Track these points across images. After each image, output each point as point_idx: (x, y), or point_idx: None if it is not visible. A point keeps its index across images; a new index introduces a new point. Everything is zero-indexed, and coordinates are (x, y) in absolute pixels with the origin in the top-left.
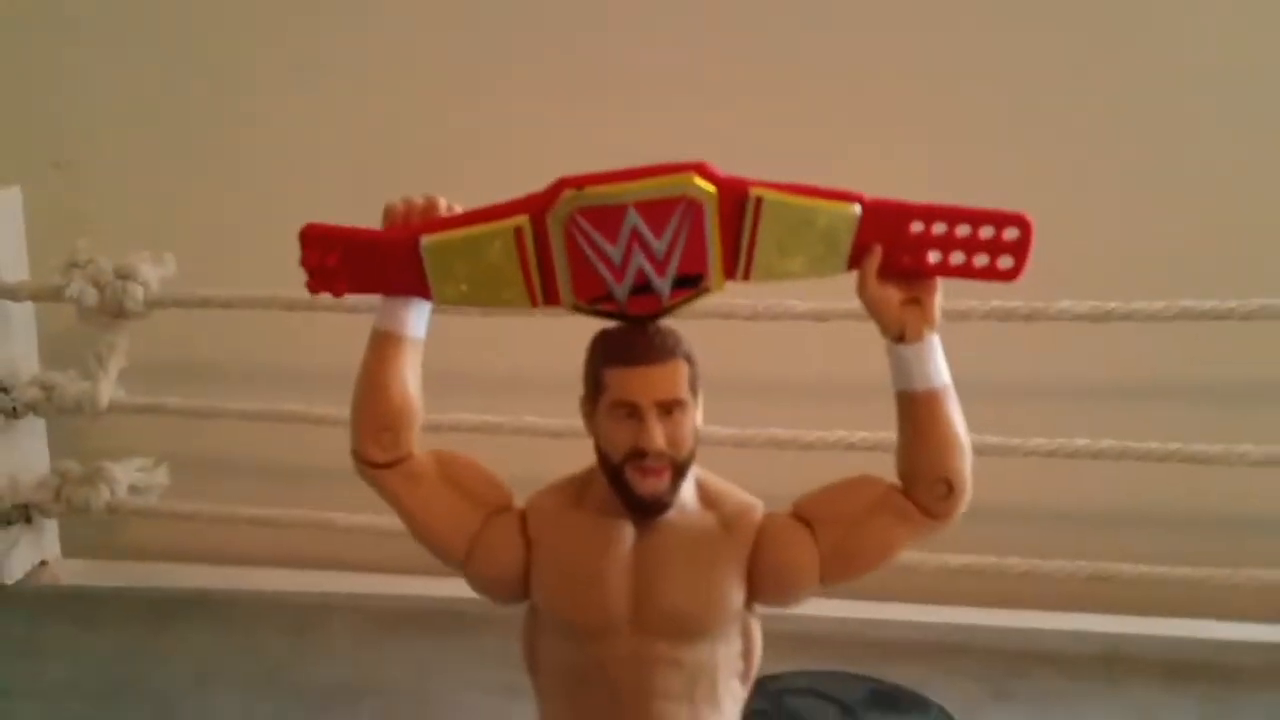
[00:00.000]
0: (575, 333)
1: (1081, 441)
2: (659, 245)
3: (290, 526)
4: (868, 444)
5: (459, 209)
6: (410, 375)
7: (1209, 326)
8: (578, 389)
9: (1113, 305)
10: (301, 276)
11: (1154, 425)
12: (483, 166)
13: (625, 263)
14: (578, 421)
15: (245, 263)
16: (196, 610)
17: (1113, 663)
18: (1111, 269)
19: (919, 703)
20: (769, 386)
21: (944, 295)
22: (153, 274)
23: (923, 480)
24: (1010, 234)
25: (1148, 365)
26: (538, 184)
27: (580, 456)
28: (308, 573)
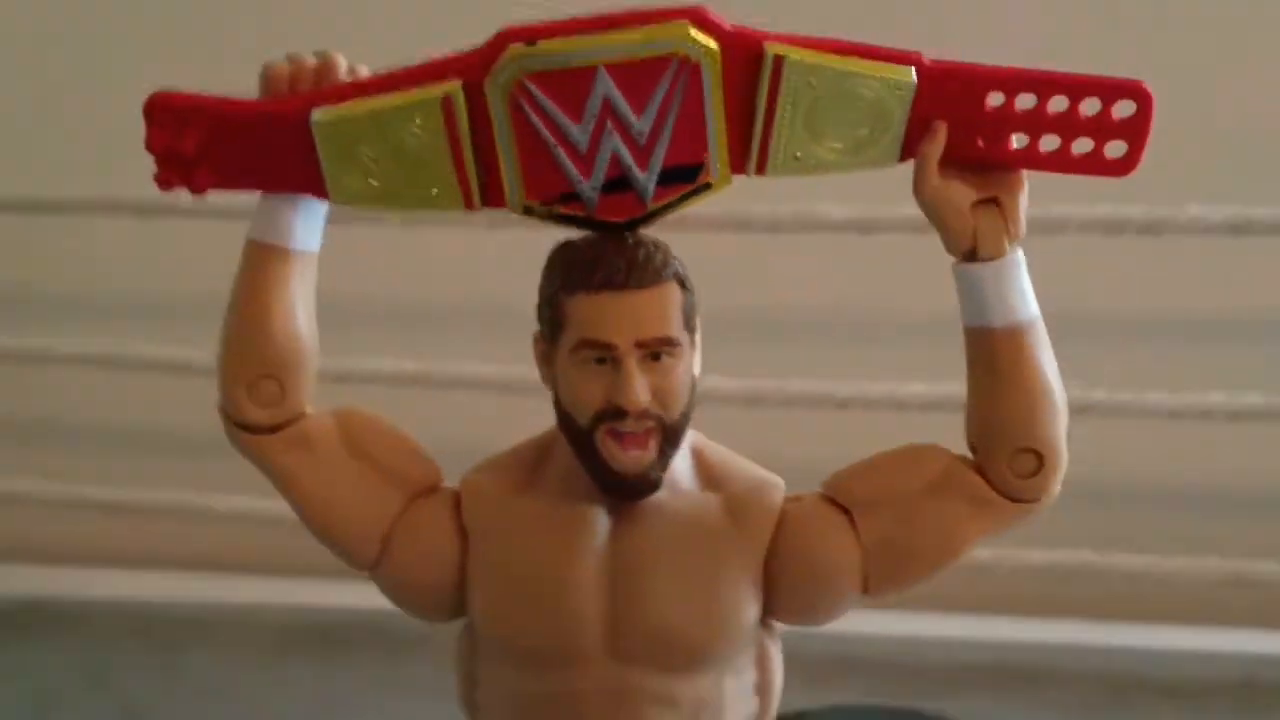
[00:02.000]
0: (533, 248)
1: (1216, 397)
2: (640, 124)
3: (151, 513)
4: (927, 401)
5: (366, 72)
6: (300, 304)
7: None
8: (532, 323)
9: (1260, 212)
10: (151, 168)
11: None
12: (402, 11)
13: (594, 148)
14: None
15: (78, 153)
16: (28, 627)
17: (1249, 692)
18: (1258, 163)
19: None
20: (794, 324)
21: (1030, 197)
22: None
23: (1002, 450)
24: (1123, 110)
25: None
26: (478, 37)
27: (540, 419)
28: (176, 576)
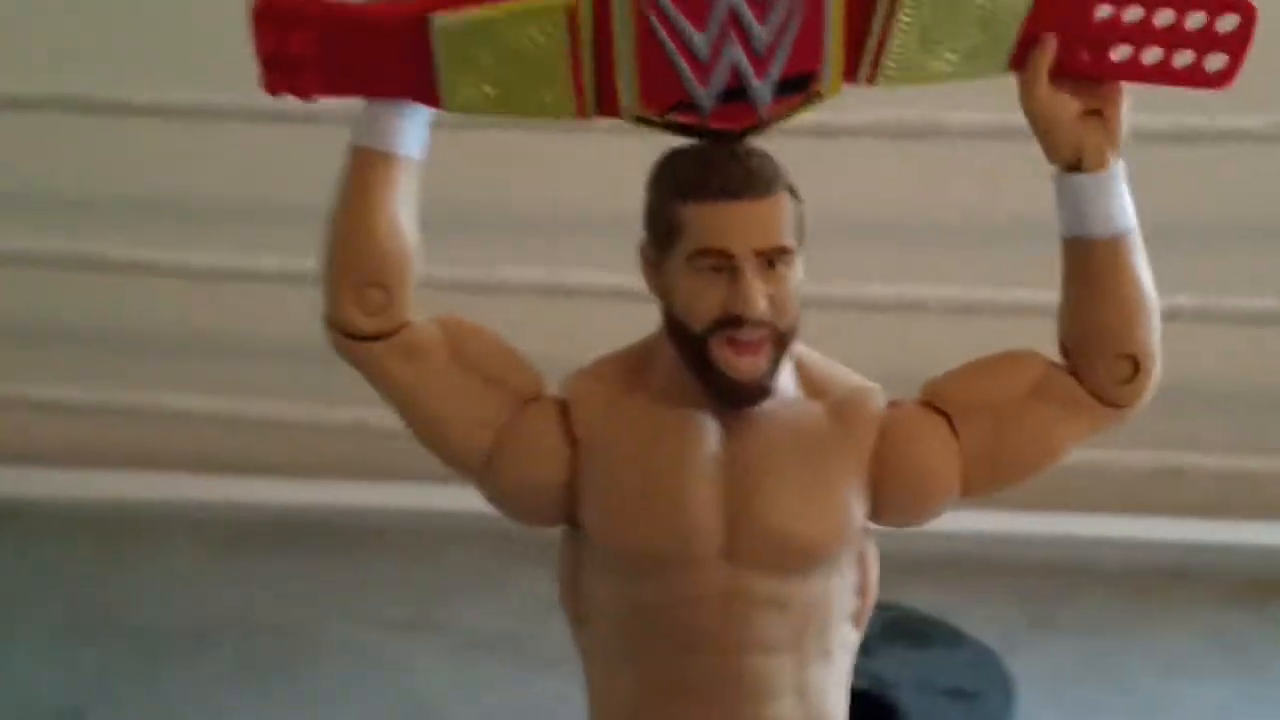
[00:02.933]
0: (630, 158)
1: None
2: (762, 32)
3: (117, 413)
4: (1003, 306)
5: None
6: (404, 211)
7: None
8: (634, 231)
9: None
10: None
11: (1235, 277)
12: None
13: (715, 57)
14: (635, 280)
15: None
16: None
17: (1182, 580)
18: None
19: (945, 634)
20: (869, 228)
21: None
22: None
23: (1100, 357)
24: (1226, 24)
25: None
26: None
27: (638, 327)
28: (142, 475)
